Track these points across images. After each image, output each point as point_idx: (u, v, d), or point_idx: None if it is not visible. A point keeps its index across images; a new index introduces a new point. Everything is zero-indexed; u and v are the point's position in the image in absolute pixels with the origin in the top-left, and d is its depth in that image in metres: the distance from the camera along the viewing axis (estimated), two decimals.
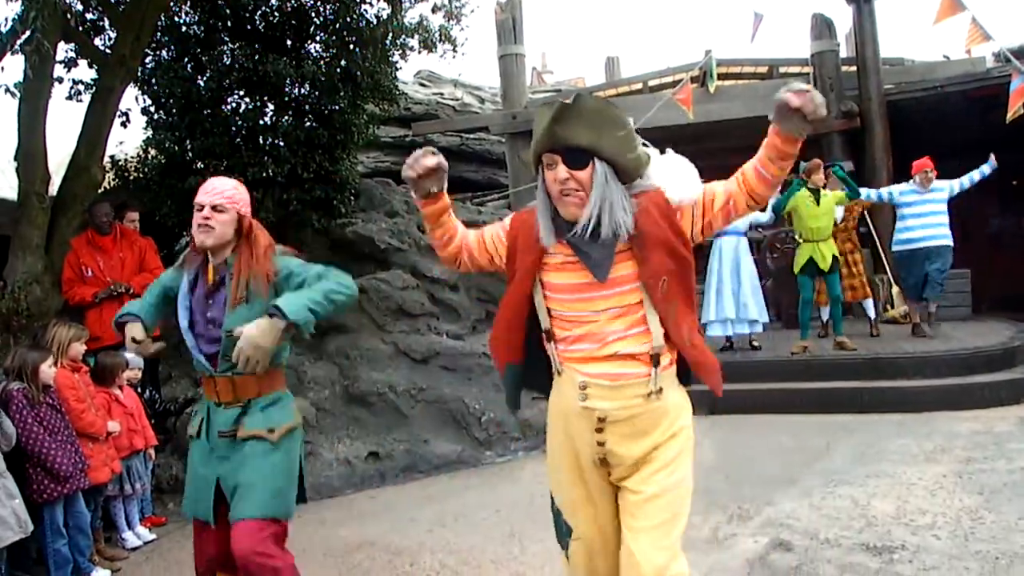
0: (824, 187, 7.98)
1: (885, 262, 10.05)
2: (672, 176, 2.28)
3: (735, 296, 8.32)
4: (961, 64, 11.58)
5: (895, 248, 8.55)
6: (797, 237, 8.11)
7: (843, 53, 11.60)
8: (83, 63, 7.74)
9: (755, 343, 8.60)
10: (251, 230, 2.99)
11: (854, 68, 10.90)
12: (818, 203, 7.88)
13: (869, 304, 8.81)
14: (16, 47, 6.00)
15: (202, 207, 2.91)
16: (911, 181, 8.38)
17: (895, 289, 9.90)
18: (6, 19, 6.07)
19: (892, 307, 9.85)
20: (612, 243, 2.19)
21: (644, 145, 2.33)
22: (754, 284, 8.41)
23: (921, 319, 8.51)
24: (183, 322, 2.95)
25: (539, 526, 4.70)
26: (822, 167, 8.05)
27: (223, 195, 2.94)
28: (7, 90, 6.53)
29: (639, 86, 13.26)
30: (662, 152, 2.40)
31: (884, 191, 8.63)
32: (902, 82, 11.38)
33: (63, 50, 7.24)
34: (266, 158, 7.54)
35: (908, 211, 8.38)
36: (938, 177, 8.33)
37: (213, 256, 2.98)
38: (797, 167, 8.34)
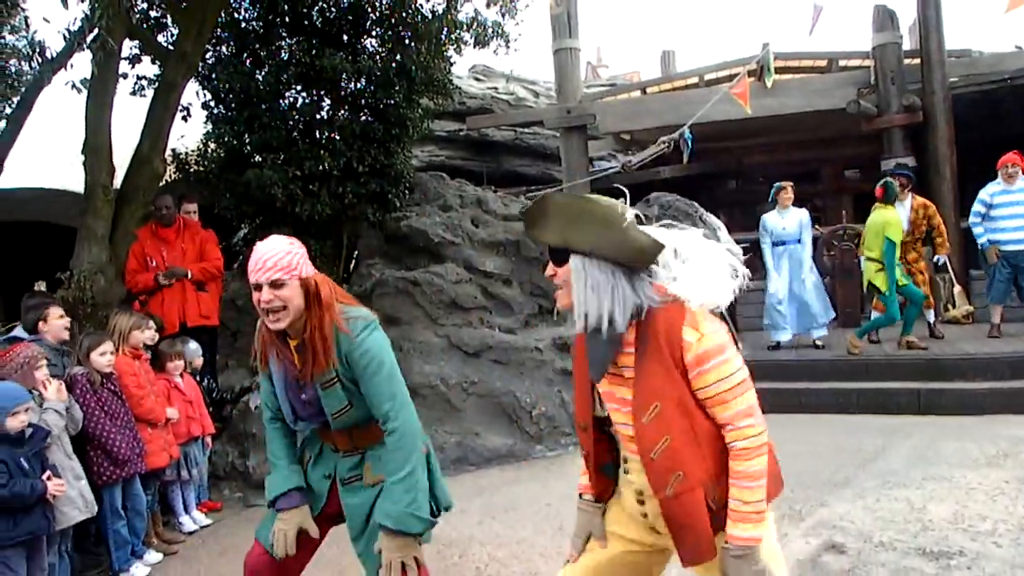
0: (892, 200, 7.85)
1: (948, 261, 9.78)
2: (699, 273, 2.10)
3: (797, 301, 8.26)
4: None
5: (983, 247, 8.31)
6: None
7: (906, 45, 11.27)
8: (146, 59, 7.95)
9: (819, 343, 8.45)
10: (319, 293, 2.61)
11: (917, 61, 10.60)
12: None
13: (930, 312, 8.57)
14: (84, 45, 6.19)
15: (259, 287, 2.51)
16: (998, 178, 8.14)
17: (957, 289, 9.62)
18: (74, 19, 6.26)
19: (953, 307, 9.57)
20: (613, 341, 2.11)
21: (670, 225, 2.20)
22: (816, 284, 8.30)
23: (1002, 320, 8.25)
24: (289, 417, 2.74)
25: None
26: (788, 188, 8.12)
27: (278, 267, 2.51)
28: (74, 86, 6.73)
29: (695, 80, 13.10)
30: (709, 236, 2.25)
31: (978, 203, 8.25)
32: (968, 74, 11.02)
33: (128, 47, 7.43)
34: (322, 152, 7.65)
35: (995, 211, 8.14)
36: None
37: (291, 335, 2.63)
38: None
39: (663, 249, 2.06)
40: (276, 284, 2.50)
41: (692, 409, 2.07)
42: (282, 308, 2.52)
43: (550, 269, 2.20)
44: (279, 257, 2.53)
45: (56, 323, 4.76)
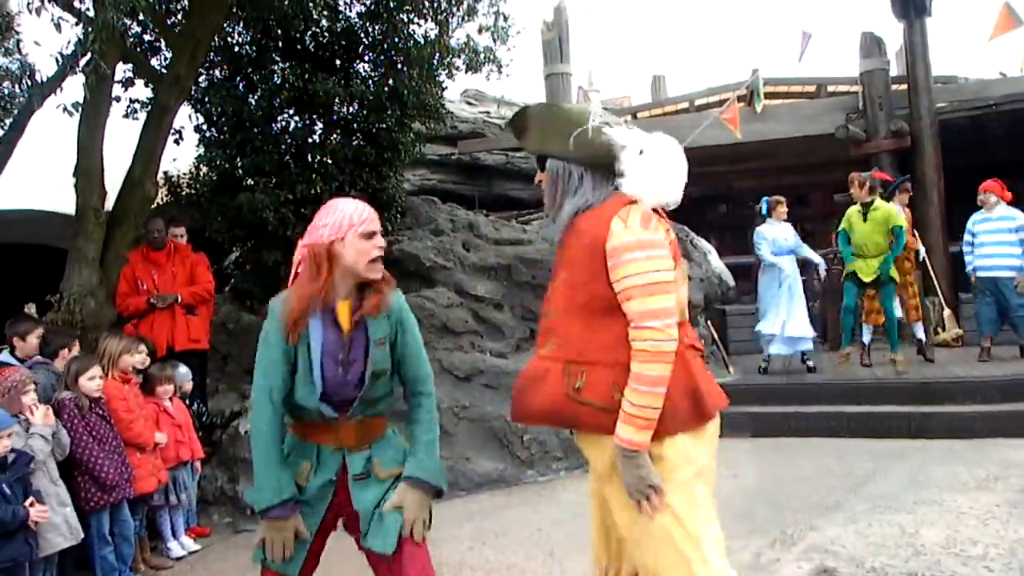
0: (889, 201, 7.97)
1: (936, 285, 9.84)
2: (651, 168, 2.15)
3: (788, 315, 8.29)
4: (1018, 82, 11.33)
5: (969, 273, 8.43)
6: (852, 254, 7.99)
7: (893, 71, 11.42)
8: (139, 82, 7.97)
9: (809, 363, 8.46)
10: None
11: (905, 87, 10.74)
12: (865, 219, 7.78)
13: (919, 327, 8.61)
14: (77, 69, 6.21)
15: (373, 234, 2.50)
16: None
17: (947, 312, 9.68)
18: (68, 42, 6.28)
19: (943, 330, 9.62)
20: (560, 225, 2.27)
21: (626, 126, 2.26)
22: (800, 301, 8.34)
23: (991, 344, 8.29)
24: (319, 380, 2.51)
25: (579, 546, 4.66)
26: (860, 182, 7.94)
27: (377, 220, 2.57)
28: (65, 109, 6.73)
29: (685, 105, 13.22)
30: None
31: (966, 231, 8.44)
32: (955, 101, 11.16)
33: (121, 70, 7.45)
34: (314, 175, 7.67)
35: (978, 239, 8.31)
36: (1013, 200, 8.18)
37: (341, 294, 2.55)
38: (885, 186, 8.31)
39: (622, 148, 2.15)
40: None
41: (595, 292, 2.13)
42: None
43: (538, 176, 2.36)
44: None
45: (33, 342, 4.75)
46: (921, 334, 8.55)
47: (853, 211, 7.92)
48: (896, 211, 7.85)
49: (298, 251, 2.60)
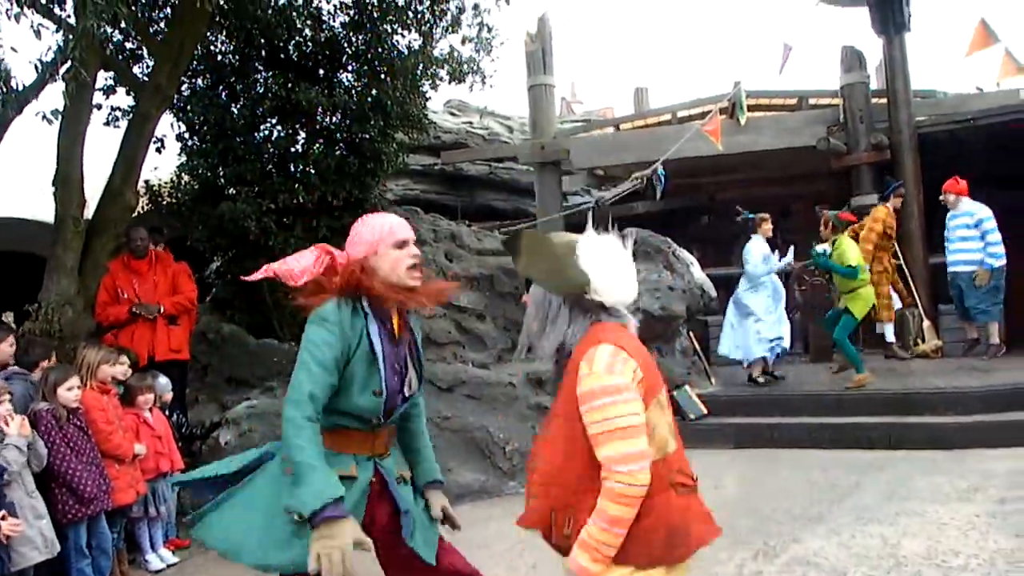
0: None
1: (916, 296, 9.92)
2: (606, 272, 2.20)
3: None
4: (994, 97, 11.47)
5: None
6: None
7: (873, 85, 11.52)
8: (121, 90, 7.91)
9: (777, 373, 8.51)
10: None
11: (884, 100, 10.83)
12: (830, 257, 8.08)
13: (889, 328, 8.67)
14: (56, 76, 6.15)
15: (406, 243, 2.58)
16: None
17: (926, 324, 9.75)
18: (47, 49, 6.22)
19: (923, 341, 9.68)
20: (559, 364, 2.28)
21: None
22: (779, 316, 8.42)
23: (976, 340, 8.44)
24: (384, 387, 2.52)
25: (563, 559, 4.65)
26: (825, 220, 8.25)
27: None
28: (44, 117, 6.67)
29: (668, 117, 13.27)
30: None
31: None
32: (933, 114, 11.28)
33: (102, 78, 7.40)
34: (297, 185, 7.64)
35: (948, 236, 8.64)
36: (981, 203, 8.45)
37: (387, 302, 2.56)
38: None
39: (587, 281, 2.17)
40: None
41: (573, 435, 2.12)
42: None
43: (525, 296, 2.41)
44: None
45: (6, 349, 4.69)
46: (890, 336, 8.60)
47: (825, 248, 8.16)
48: (849, 248, 7.94)
49: (322, 255, 2.61)
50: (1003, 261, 8.39)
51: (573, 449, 2.13)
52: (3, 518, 3.69)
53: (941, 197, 8.58)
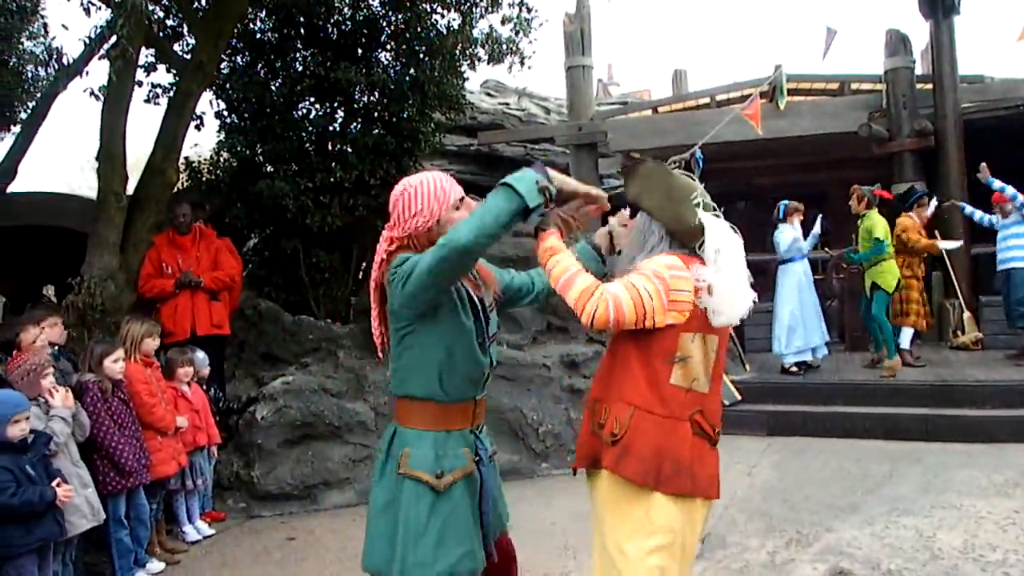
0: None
1: (956, 287, 9.75)
2: (727, 289, 2.28)
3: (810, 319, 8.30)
4: None
5: None
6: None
7: (919, 70, 11.27)
8: (162, 68, 7.98)
9: (814, 363, 8.48)
10: None
11: (929, 86, 10.61)
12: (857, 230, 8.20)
13: (905, 333, 8.50)
14: (102, 52, 6.22)
15: (462, 199, 2.50)
16: None
17: (966, 315, 9.60)
18: (95, 27, 6.29)
19: (962, 332, 9.54)
20: None
21: (714, 213, 2.38)
22: (817, 308, 8.34)
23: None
24: (479, 354, 2.44)
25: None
26: (859, 195, 8.24)
27: None
28: (92, 93, 6.76)
29: (707, 100, 13.11)
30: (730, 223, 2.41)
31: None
32: (980, 100, 11.01)
33: (144, 55, 7.47)
34: (334, 164, 7.66)
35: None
36: None
37: None
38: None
39: (703, 234, 2.29)
40: None
41: (626, 341, 2.33)
42: None
43: (625, 218, 2.61)
44: None
45: (50, 332, 4.73)
46: (906, 343, 8.42)
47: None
48: (878, 223, 7.94)
49: (384, 243, 2.45)
50: None
51: (617, 349, 2.39)
52: (57, 485, 3.77)
53: (994, 215, 8.50)
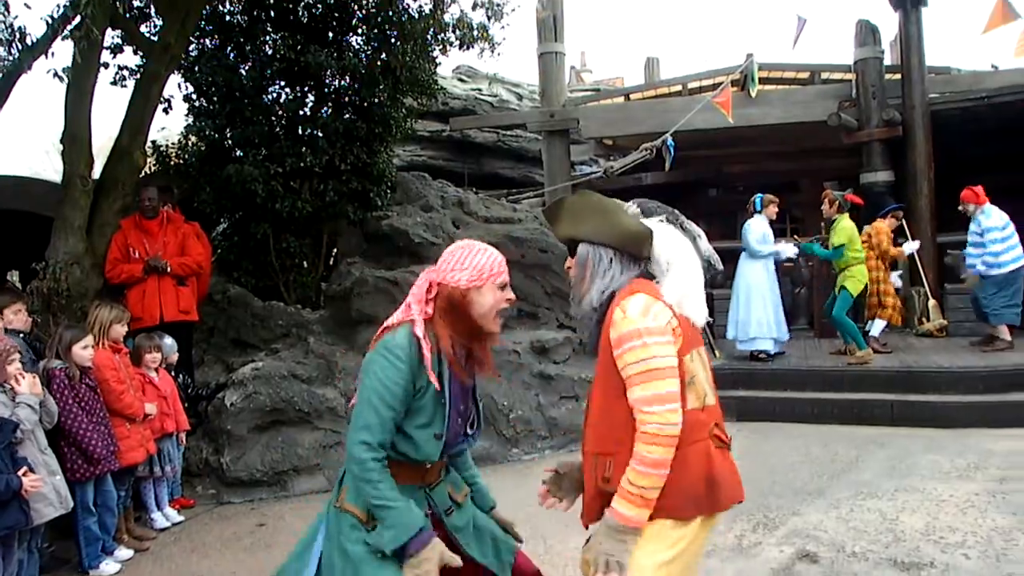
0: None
1: (922, 275, 9.91)
2: (678, 286, 2.22)
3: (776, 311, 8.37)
4: (1010, 75, 11.35)
5: None
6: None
7: (888, 60, 11.42)
8: (129, 49, 7.84)
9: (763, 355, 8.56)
10: None
11: (898, 76, 10.73)
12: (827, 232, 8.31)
13: (875, 324, 8.63)
14: (66, 32, 6.10)
15: (506, 285, 2.40)
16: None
17: (931, 302, 9.75)
18: (57, 5, 6.16)
19: (928, 320, 9.70)
20: (596, 322, 2.28)
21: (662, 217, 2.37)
22: (776, 300, 8.42)
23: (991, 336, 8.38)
24: (435, 442, 2.36)
25: (564, 526, 4.69)
26: (830, 199, 8.27)
27: None
28: (55, 74, 6.63)
29: (678, 88, 13.17)
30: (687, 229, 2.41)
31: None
32: (947, 91, 11.19)
33: (110, 36, 7.32)
34: (304, 148, 7.61)
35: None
36: (993, 192, 8.31)
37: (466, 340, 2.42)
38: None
39: (651, 236, 2.23)
40: None
41: (610, 384, 2.17)
42: None
43: (568, 262, 2.38)
44: None
45: (14, 318, 4.65)
46: (875, 332, 8.56)
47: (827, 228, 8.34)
48: (842, 231, 8.05)
49: (423, 282, 2.40)
50: (1015, 266, 8.16)
51: (610, 396, 2.19)
52: (24, 474, 3.72)
53: (960, 207, 8.45)
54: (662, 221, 2.34)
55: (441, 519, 2.44)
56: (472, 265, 2.35)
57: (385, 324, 2.38)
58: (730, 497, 2.19)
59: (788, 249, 8.58)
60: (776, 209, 8.56)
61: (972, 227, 8.32)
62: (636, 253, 2.25)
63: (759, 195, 8.59)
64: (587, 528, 2.31)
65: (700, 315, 2.23)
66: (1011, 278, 8.09)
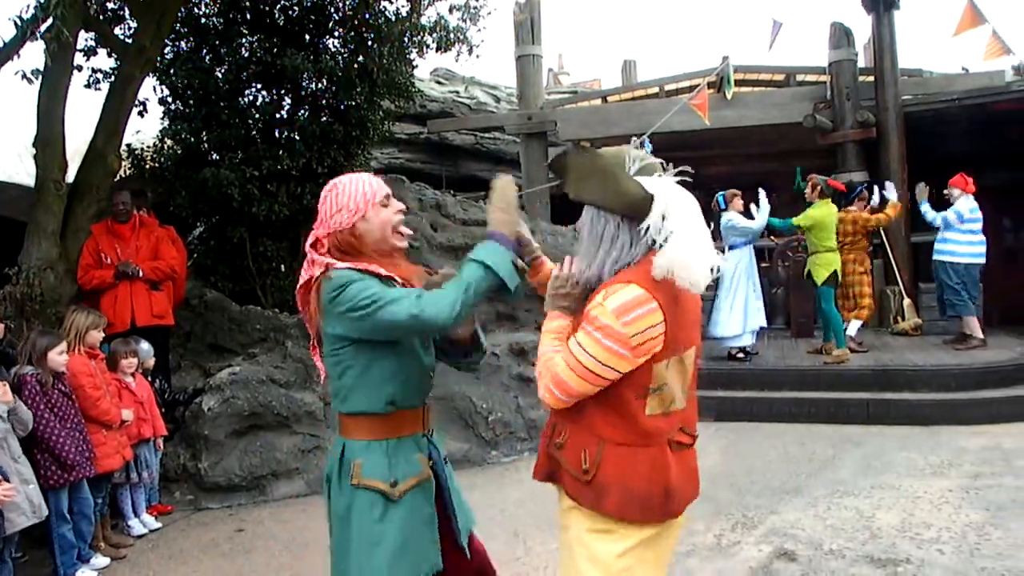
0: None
1: (897, 274, 10.02)
2: (681, 250, 1.97)
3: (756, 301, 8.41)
4: (980, 77, 11.52)
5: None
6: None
7: (861, 63, 11.54)
8: (103, 52, 7.77)
9: (750, 349, 8.63)
10: None
11: (872, 78, 10.86)
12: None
13: (853, 324, 8.68)
14: (37, 34, 6.04)
15: (389, 197, 2.38)
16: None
17: (906, 301, 9.87)
18: (27, 6, 6.09)
19: (903, 319, 9.81)
20: (587, 291, 2.14)
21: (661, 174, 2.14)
22: (758, 292, 8.49)
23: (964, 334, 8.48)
24: (421, 349, 2.39)
25: (543, 527, 4.71)
26: (813, 184, 8.32)
27: None
28: (24, 76, 6.56)
29: (655, 90, 13.23)
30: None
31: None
32: (920, 94, 11.34)
33: (83, 38, 7.26)
34: (281, 152, 7.57)
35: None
36: (976, 192, 8.46)
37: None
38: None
39: (651, 200, 2.00)
40: None
41: None
42: None
43: (579, 222, 2.21)
44: None
45: None
46: (852, 332, 8.60)
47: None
48: (812, 213, 8.16)
49: (311, 240, 2.35)
50: (973, 261, 8.38)
51: None
52: None
53: (946, 191, 8.57)
54: (660, 174, 2.14)
55: (439, 471, 2.41)
56: (347, 202, 2.31)
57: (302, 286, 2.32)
58: (685, 501, 2.13)
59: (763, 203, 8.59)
60: (741, 202, 8.58)
61: (947, 213, 8.41)
62: (640, 217, 2.02)
63: (719, 193, 8.60)
64: (535, 478, 2.28)
65: (701, 281, 1.97)
66: (970, 271, 8.25)
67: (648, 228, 2.01)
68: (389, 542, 2.22)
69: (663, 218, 1.98)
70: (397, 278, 2.29)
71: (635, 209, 2.02)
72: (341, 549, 2.30)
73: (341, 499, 2.30)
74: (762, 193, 8.61)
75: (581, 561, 2.08)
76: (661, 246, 1.98)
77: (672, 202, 2.01)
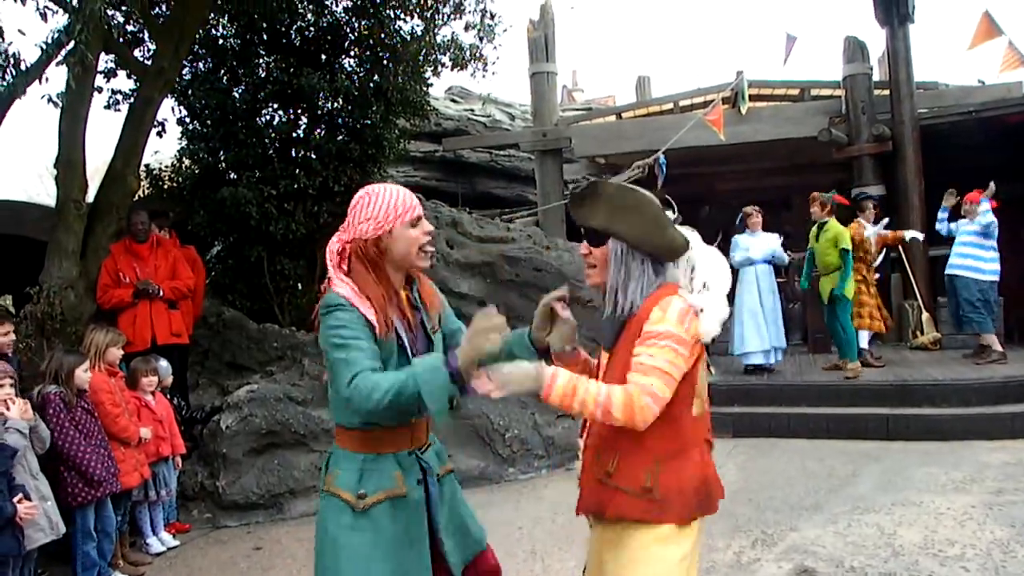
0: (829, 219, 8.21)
1: (915, 288, 9.94)
2: (713, 305, 2.19)
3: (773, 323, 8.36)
4: (996, 89, 11.47)
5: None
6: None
7: (876, 76, 11.52)
8: (122, 73, 7.89)
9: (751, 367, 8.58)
10: None
11: (887, 92, 10.83)
12: (818, 238, 8.18)
13: (863, 336, 8.62)
14: (60, 58, 6.14)
15: (419, 220, 2.34)
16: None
17: (925, 315, 9.79)
18: (51, 31, 6.20)
19: (921, 333, 9.73)
20: (621, 321, 2.25)
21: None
22: (776, 311, 8.43)
23: (982, 346, 8.38)
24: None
25: (561, 545, 4.69)
26: (820, 202, 8.24)
27: None
28: (50, 100, 6.66)
29: (670, 106, 13.24)
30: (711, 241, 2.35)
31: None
32: (935, 106, 11.29)
33: (103, 61, 7.37)
34: (298, 170, 7.64)
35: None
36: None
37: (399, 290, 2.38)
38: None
39: (687, 248, 2.24)
40: None
41: (623, 379, 2.16)
42: None
43: (584, 248, 2.34)
44: None
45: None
46: (864, 343, 8.55)
47: (813, 230, 8.28)
48: (843, 233, 8.01)
49: (334, 245, 2.33)
50: (993, 278, 8.29)
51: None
52: (19, 501, 3.70)
53: (966, 207, 8.50)
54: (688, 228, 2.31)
55: (431, 494, 2.38)
56: (375, 213, 2.27)
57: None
58: (718, 496, 2.27)
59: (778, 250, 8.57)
60: (757, 220, 8.56)
61: (969, 226, 8.34)
62: (666, 261, 2.26)
63: (743, 211, 8.64)
64: (578, 515, 2.37)
65: (716, 328, 2.19)
66: (993, 287, 8.18)
67: (673, 267, 2.25)
68: (351, 551, 2.23)
69: (692, 269, 2.23)
70: (376, 325, 2.22)
71: (671, 254, 2.24)
72: (316, 551, 2.35)
73: (320, 502, 2.38)
74: (777, 241, 8.62)
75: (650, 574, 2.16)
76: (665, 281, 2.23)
77: (713, 265, 2.24)
